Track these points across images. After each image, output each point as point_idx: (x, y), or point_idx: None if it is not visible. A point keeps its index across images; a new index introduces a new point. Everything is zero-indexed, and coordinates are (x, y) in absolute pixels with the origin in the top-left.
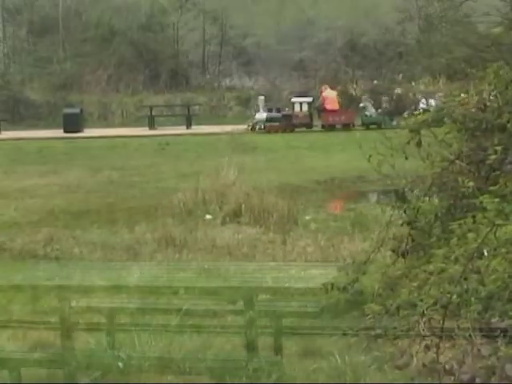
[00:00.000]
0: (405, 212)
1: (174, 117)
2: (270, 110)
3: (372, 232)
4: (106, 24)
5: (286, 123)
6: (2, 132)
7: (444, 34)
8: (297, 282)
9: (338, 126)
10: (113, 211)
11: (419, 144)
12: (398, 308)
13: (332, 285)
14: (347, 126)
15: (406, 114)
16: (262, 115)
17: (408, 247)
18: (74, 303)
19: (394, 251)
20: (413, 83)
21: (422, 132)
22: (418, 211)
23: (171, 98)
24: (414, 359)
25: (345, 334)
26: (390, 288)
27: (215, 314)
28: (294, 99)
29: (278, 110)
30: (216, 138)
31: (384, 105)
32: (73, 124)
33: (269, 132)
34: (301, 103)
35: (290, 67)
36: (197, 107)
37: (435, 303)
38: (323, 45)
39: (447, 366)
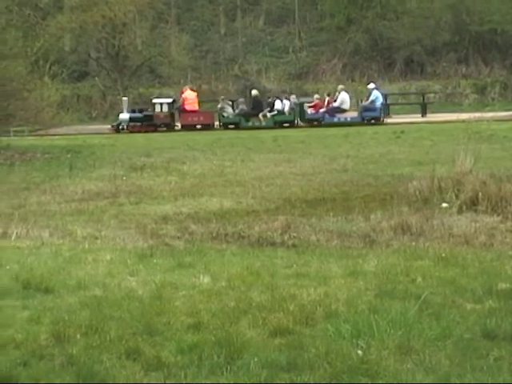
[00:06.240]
0: None
1: (409, 105)
2: (133, 111)
3: None
4: (342, 13)
5: (147, 123)
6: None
7: None
8: None
9: (198, 126)
10: (348, 199)
11: None
12: None
13: None
14: (207, 126)
15: (260, 115)
16: (125, 116)
17: None
18: (311, 290)
19: None
20: None
21: None
22: None
23: (406, 85)
24: None
25: None
26: None
27: (454, 303)
28: (154, 100)
29: (141, 111)
30: (452, 126)
31: (240, 106)
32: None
33: (131, 132)
34: (161, 104)
35: None
36: (432, 95)
37: None
38: None
39: None
